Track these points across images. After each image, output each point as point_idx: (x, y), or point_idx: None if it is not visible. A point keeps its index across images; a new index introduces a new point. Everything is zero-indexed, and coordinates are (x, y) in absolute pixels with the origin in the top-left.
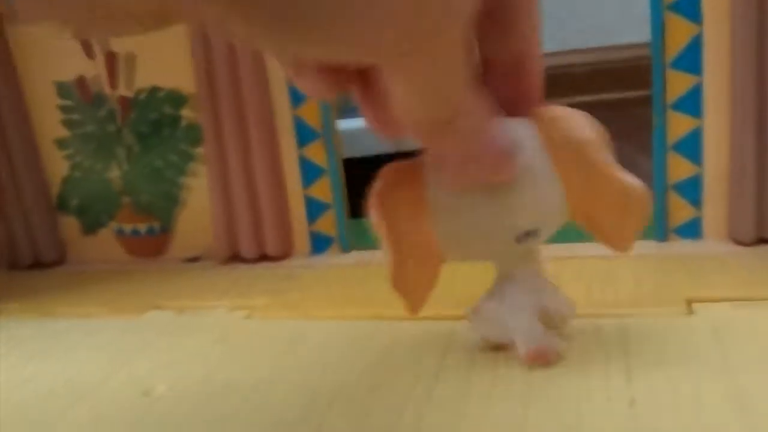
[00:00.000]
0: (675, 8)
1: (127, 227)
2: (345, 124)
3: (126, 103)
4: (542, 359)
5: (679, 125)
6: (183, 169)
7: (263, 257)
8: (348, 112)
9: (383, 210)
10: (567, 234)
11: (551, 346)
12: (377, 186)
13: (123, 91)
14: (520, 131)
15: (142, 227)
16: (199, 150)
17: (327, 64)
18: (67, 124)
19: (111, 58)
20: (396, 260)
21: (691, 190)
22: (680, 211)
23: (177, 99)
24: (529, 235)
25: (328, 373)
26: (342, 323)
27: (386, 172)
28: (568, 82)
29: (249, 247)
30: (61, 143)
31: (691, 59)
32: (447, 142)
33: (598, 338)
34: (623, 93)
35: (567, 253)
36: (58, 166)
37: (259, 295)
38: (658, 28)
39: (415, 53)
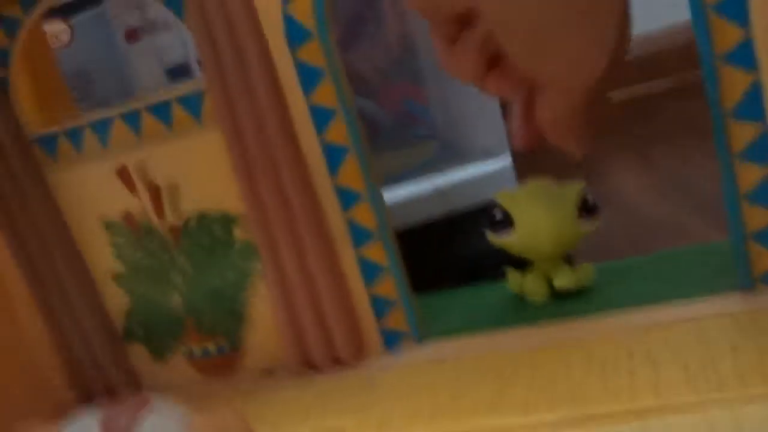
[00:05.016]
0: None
1: (197, 349)
2: (390, 195)
3: (176, 231)
4: None
5: (749, 174)
6: (243, 286)
7: (336, 361)
8: (390, 181)
9: None
10: (645, 294)
11: None
12: None
13: (171, 220)
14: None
15: (212, 347)
16: (256, 265)
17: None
18: (121, 258)
19: (154, 191)
20: None
21: None
22: (763, 259)
23: (226, 220)
24: None
25: None
26: None
27: None
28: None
29: (320, 354)
30: (118, 278)
31: None
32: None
33: None
34: None
35: (647, 321)
36: (119, 300)
37: (342, 413)
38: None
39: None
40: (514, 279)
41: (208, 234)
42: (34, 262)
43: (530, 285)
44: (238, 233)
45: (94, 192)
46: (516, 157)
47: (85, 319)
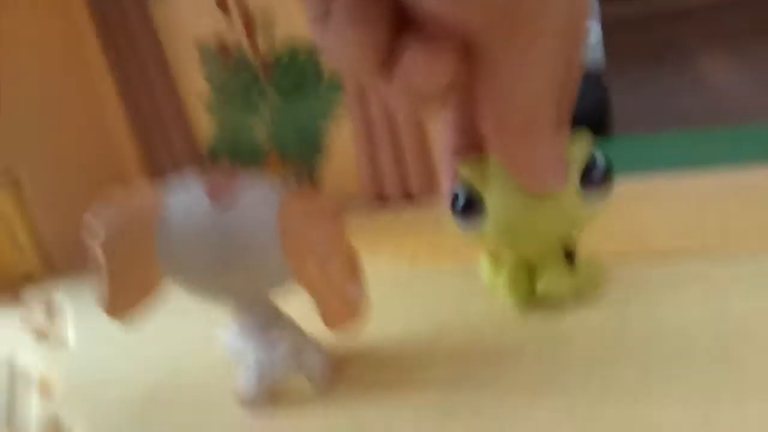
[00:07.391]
0: None
1: (276, 177)
2: None
3: (267, 62)
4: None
5: None
6: (326, 120)
7: (408, 196)
8: None
9: (109, 247)
10: (724, 159)
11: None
12: (105, 226)
13: (263, 51)
14: (261, 202)
15: (291, 176)
16: (341, 100)
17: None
18: (212, 84)
19: (249, 20)
20: (113, 291)
21: None
22: None
23: (317, 55)
24: (246, 296)
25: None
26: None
27: (112, 219)
28: None
29: (393, 187)
30: (207, 102)
31: None
32: (529, 144)
33: None
34: None
35: (728, 182)
36: (206, 123)
37: (415, 241)
38: None
39: (520, 29)
40: (487, 270)
41: (298, 67)
42: (129, 77)
43: (506, 285)
44: (326, 68)
45: (191, 16)
46: (608, 30)
47: (174, 136)
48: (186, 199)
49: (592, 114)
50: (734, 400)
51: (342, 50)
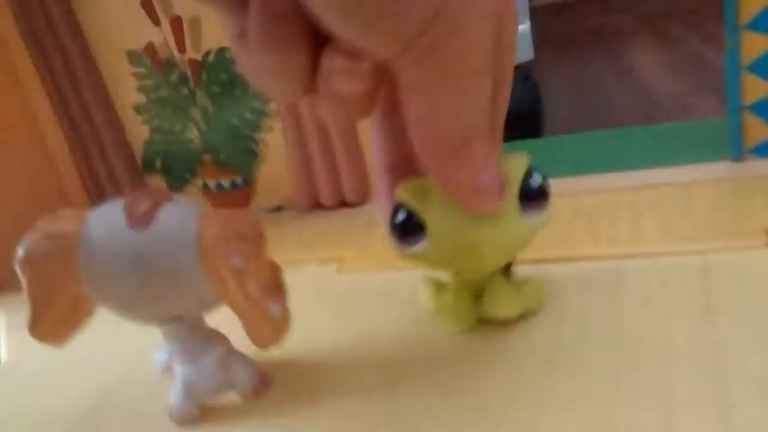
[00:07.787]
0: None
1: (211, 182)
2: None
3: (196, 65)
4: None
5: (754, 45)
6: (258, 125)
7: (342, 204)
8: None
9: (32, 272)
10: (641, 159)
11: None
12: (27, 251)
13: (191, 54)
14: (180, 225)
15: (226, 181)
16: (272, 105)
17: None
18: (142, 90)
19: (176, 23)
20: (36, 313)
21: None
22: (756, 130)
23: None
24: (174, 319)
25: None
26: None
27: (33, 242)
28: None
29: (328, 195)
30: (139, 109)
31: None
32: (462, 167)
33: (679, 278)
34: None
35: (637, 181)
36: (139, 130)
37: (344, 246)
38: None
39: (436, 51)
40: (430, 295)
41: (227, 70)
42: (63, 92)
43: (450, 309)
44: None
45: (119, 23)
46: (535, 22)
47: (109, 148)
48: (107, 220)
49: (523, 112)
50: (628, 401)
51: (261, 74)
